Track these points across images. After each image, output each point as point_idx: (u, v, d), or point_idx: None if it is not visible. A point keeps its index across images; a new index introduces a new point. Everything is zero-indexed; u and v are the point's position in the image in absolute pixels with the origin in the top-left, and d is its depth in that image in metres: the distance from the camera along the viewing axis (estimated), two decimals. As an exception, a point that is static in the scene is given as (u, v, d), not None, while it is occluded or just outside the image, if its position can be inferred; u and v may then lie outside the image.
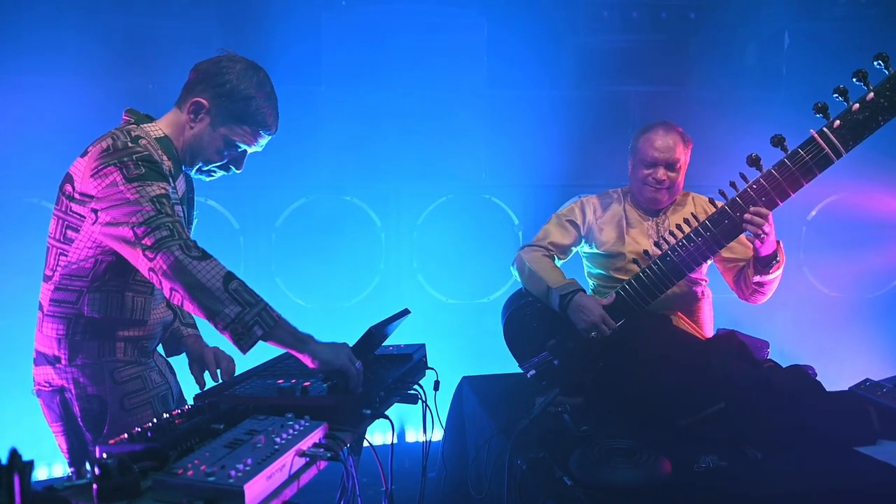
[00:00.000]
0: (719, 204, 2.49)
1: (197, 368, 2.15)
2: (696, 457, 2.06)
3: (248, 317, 1.69)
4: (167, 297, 1.74)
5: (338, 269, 4.12)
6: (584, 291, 2.71)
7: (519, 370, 2.83)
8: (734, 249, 2.70)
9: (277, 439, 1.46)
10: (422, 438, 2.14)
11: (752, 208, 2.39)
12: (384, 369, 2.06)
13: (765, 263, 2.58)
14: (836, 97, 2.24)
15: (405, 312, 2.19)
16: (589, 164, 4.21)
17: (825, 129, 2.27)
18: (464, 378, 3.04)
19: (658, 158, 2.75)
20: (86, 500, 1.28)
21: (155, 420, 1.55)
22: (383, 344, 2.23)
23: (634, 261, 2.72)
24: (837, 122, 2.26)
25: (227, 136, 2.00)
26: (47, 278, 1.94)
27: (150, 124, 1.99)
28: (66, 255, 1.89)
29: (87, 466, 1.32)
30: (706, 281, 2.90)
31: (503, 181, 4.31)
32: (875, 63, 2.19)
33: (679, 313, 2.81)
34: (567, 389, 2.49)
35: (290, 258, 4.12)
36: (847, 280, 4.43)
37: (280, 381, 1.90)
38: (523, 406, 2.44)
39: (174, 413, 1.60)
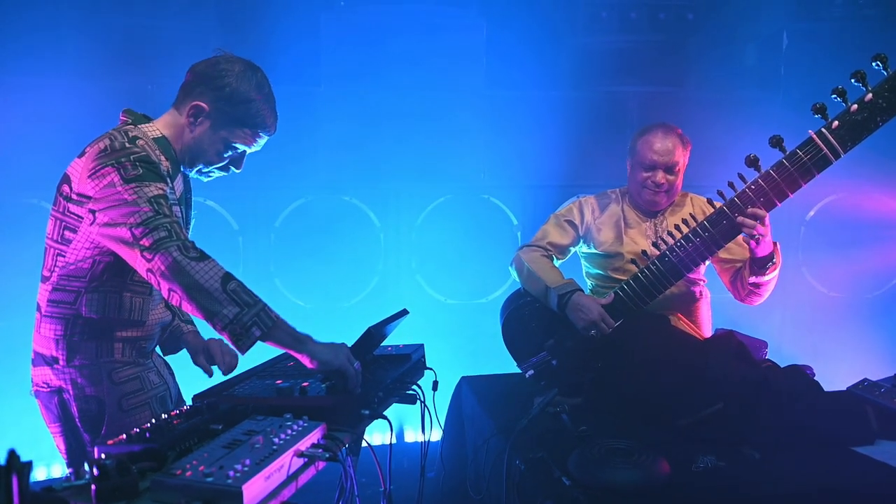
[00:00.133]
0: (717, 205, 2.50)
1: (204, 359, 2.15)
2: (695, 457, 2.07)
3: (247, 317, 1.69)
4: (165, 297, 1.74)
5: (337, 270, 4.13)
6: (583, 291, 2.71)
7: (518, 370, 2.83)
8: (731, 250, 2.70)
9: (276, 440, 1.46)
10: (421, 439, 2.14)
11: (749, 209, 2.39)
12: (383, 370, 2.06)
13: (761, 264, 2.59)
14: (835, 98, 2.24)
15: (404, 313, 2.19)
16: (588, 165, 4.22)
17: (823, 129, 2.27)
18: (463, 378, 3.05)
19: (657, 161, 2.75)
20: (84, 500, 1.28)
21: (153, 421, 1.55)
22: (382, 344, 2.23)
23: (633, 261, 2.72)
24: (836, 122, 2.26)
25: (227, 139, 2.00)
26: (45, 279, 1.94)
27: (147, 125, 1.99)
28: (64, 256, 1.89)
29: (86, 467, 1.32)
30: (704, 281, 2.90)
31: (502, 181, 4.31)
32: (873, 64, 2.19)
33: (677, 314, 2.82)
34: (565, 389, 2.50)
35: (289, 258, 4.12)
36: (845, 280, 4.43)
37: (279, 381, 1.91)
38: (522, 406, 2.45)
39: (172, 414, 1.60)
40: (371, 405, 1.80)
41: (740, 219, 2.40)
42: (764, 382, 2.38)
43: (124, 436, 1.47)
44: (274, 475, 1.37)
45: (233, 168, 2.11)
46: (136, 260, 1.74)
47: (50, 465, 3.71)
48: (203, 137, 1.99)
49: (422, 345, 2.33)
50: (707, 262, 2.70)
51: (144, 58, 3.81)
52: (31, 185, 3.59)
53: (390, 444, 2.00)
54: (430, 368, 2.26)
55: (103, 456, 1.38)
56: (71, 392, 1.92)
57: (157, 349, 2.14)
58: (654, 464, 1.92)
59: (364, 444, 1.84)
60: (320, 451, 1.50)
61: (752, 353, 2.60)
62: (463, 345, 4.00)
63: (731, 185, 2.43)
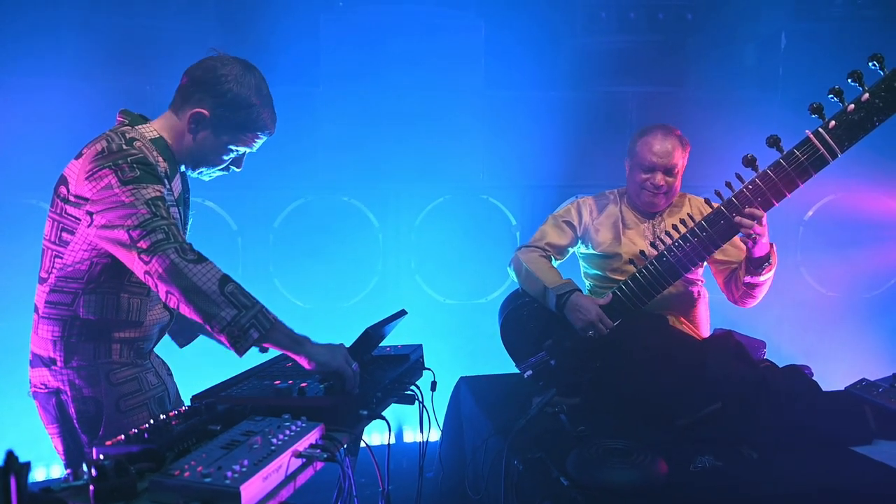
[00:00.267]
0: (715, 205, 2.50)
1: None
2: (693, 457, 2.07)
3: (245, 320, 1.69)
4: (163, 300, 1.74)
5: (336, 270, 4.13)
6: (581, 291, 2.71)
7: (516, 370, 2.83)
8: (727, 252, 2.70)
9: (274, 440, 1.47)
10: (420, 439, 2.14)
11: (746, 209, 2.40)
12: (381, 370, 2.06)
13: (757, 265, 2.59)
14: (832, 98, 2.24)
15: (402, 313, 2.20)
16: (586, 165, 4.22)
17: (820, 129, 2.28)
18: (461, 378, 3.05)
19: (656, 163, 2.76)
20: (82, 501, 1.28)
21: (152, 421, 1.55)
22: (380, 345, 2.23)
23: (631, 261, 2.73)
24: (833, 122, 2.26)
25: (228, 144, 2.02)
26: (42, 280, 1.94)
27: (144, 126, 1.99)
28: (62, 258, 1.89)
29: (84, 468, 1.32)
30: (702, 281, 2.90)
31: (501, 182, 4.31)
32: (870, 64, 2.19)
33: (675, 315, 2.82)
34: (564, 389, 2.50)
35: (289, 259, 4.12)
36: (844, 280, 4.44)
37: (277, 382, 1.91)
38: (520, 406, 2.45)
39: (171, 414, 1.60)
40: (369, 406, 1.81)
41: (738, 218, 2.40)
42: (762, 382, 2.38)
43: (122, 436, 1.47)
44: (272, 476, 1.37)
45: (233, 168, 2.12)
46: (133, 262, 1.74)
47: (49, 466, 3.71)
48: (205, 143, 2.00)
49: (420, 345, 2.33)
50: (705, 263, 2.70)
51: (144, 58, 3.81)
52: (31, 185, 3.59)
53: (388, 444, 2.01)
54: (429, 369, 2.27)
55: (101, 456, 1.38)
56: (69, 393, 1.92)
57: (156, 350, 2.14)
58: (653, 464, 1.93)
59: (363, 444, 1.85)
60: (318, 451, 1.50)
61: (751, 353, 2.61)
62: (462, 345, 4.00)
63: (728, 185, 2.43)
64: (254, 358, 1.92)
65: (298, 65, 3.97)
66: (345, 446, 1.63)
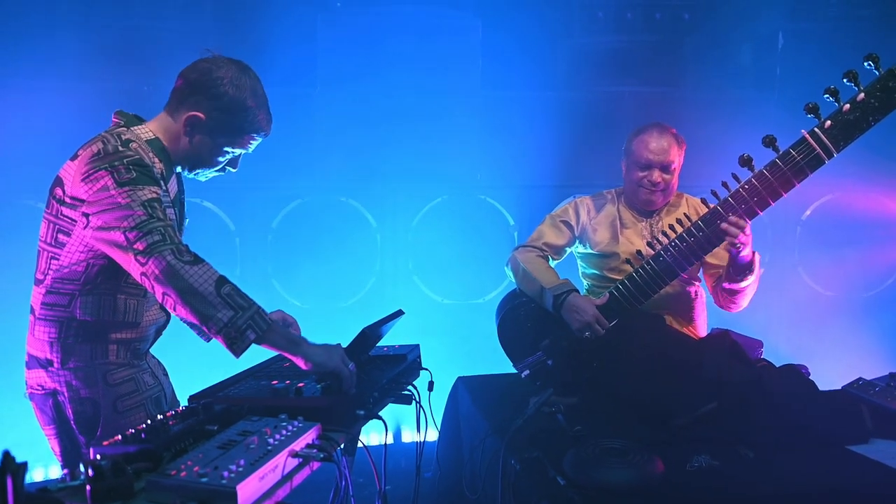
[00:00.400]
0: (711, 205, 2.50)
1: None
2: (689, 456, 2.07)
3: (241, 321, 1.69)
4: (160, 301, 1.74)
5: (334, 270, 4.13)
6: (578, 292, 2.71)
7: (513, 370, 2.83)
8: (718, 255, 2.71)
9: (270, 440, 1.47)
10: (417, 439, 2.15)
11: (731, 218, 2.41)
12: (378, 370, 2.07)
13: (739, 272, 2.61)
14: (828, 98, 2.25)
15: (399, 313, 2.20)
16: (584, 165, 4.22)
17: (816, 129, 2.28)
18: (459, 378, 3.05)
19: (653, 161, 2.76)
20: (79, 501, 1.28)
21: (149, 422, 1.55)
22: (378, 345, 2.24)
23: (628, 261, 2.73)
24: (828, 122, 2.27)
25: (225, 146, 2.02)
26: (38, 282, 1.94)
27: (139, 127, 1.99)
28: (58, 259, 1.89)
29: (81, 468, 1.32)
30: (699, 281, 2.91)
31: (498, 182, 4.32)
32: (865, 64, 2.20)
33: (672, 315, 2.82)
34: (561, 389, 2.50)
35: (286, 259, 4.13)
36: (841, 279, 4.45)
37: (274, 382, 1.92)
38: (517, 406, 2.45)
39: (168, 414, 1.61)
40: (366, 405, 1.81)
41: (724, 226, 2.41)
42: (759, 382, 2.39)
43: (119, 436, 1.47)
44: (268, 475, 1.37)
45: (229, 168, 2.12)
46: (129, 263, 1.74)
47: (48, 467, 3.71)
48: (201, 146, 2.01)
49: (417, 345, 2.34)
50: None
51: (142, 59, 3.80)
52: (29, 187, 3.59)
53: (385, 444, 2.01)
54: (426, 369, 2.27)
55: (98, 456, 1.38)
56: (66, 394, 1.92)
57: (152, 350, 2.14)
58: (649, 463, 1.93)
59: (360, 444, 1.85)
60: (315, 451, 1.51)
61: (748, 353, 2.61)
62: (459, 345, 4.00)
63: (724, 185, 2.44)
64: (250, 358, 1.92)
65: (296, 66, 3.98)
66: (341, 446, 1.64)
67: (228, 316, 1.68)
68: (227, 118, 1.97)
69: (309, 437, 1.55)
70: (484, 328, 3.25)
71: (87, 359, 1.92)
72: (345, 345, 1.90)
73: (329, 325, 3.38)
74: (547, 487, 1.94)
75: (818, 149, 2.28)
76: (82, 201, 1.81)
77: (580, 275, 3.05)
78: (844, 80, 2.22)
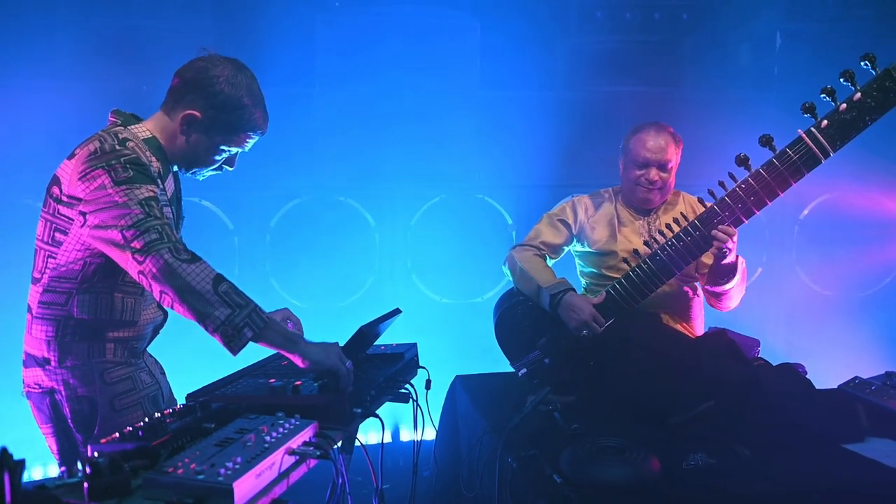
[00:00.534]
0: (708, 204, 2.51)
1: None
2: (686, 454, 2.08)
3: (238, 319, 1.70)
4: (157, 299, 1.75)
5: (332, 269, 4.13)
6: (575, 291, 2.72)
7: (511, 369, 2.84)
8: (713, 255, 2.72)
9: (267, 438, 1.48)
10: (415, 437, 2.15)
11: (719, 226, 2.43)
12: (375, 368, 2.07)
13: (721, 275, 2.63)
14: (824, 97, 2.26)
15: (396, 312, 2.20)
16: (582, 165, 4.23)
17: (813, 128, 2.29)
18: (457, 377, 3.06)
19: (650, 159, 2.77)
20: (77, 498, 1.29)
21: (146, 420, 1.56)
22: (375, 343, 2.24)
23: (625, 259, 2.74)
24: (825, 121, 2.28)
25: (221, 145, 2.02)
26: (35, 280, 1.94)
27: (136, 125, 1.99)
28: (55, 258, 1.89)
29: (79, 465, 1.33)
30: (696, 280, 2.92)
31: (497, 181, 4.32)
32: (862, 63, 2.21)
33: (669, 313, 2.83)
34: (558, 388, 2.50)
35: (285, 258, 4.13)
36: (838, 278, 4.46)
37: (272, 380, 1.92)
38: (515, 404, 2.46)
39: (165, 412, 1.61)
40: (363, 404, 1.82)
41: (714, 232, 2.44)
42: (756, 381, 2.39)
43: (117, 434, 1.48)
44: (265, 473, 1.38)
45: (226, 167, 2.12)
46: (127, 262, 1.75)
47: (46, 465, 3.71)
48: (197, 145, 2.01)
49: (415, 344, 2.34)
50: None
51: (141, 59, 3.80)
52: (27, 186, 3.59)
53: (382, 442, 2.02)
54: (423, 367, 2.27)
55: (96, 454, 1.39)
56: (63, 393, 1.92)
57: (150, 349, 2.15)
58: (646, 461, 1.94)
59: (357, 442, 1.85)
60: (311, 449, 1.51)
61: (745, 352, 2.62)
62: (457, 344, 4.01)
63: (721, 184, 2.45)
64: (248, 356, 1.93)
65: (295, 65, 3.98)
66: (338, 444, 1.64)
67: (225, 314, 1.69)
68: (224, 116, 1.97)
69: (306, 434, 1.55)
70: (482, 327, 3.26)
71: (84, 357, 1.92)
72: (342, 343, 1.90)
73: (327, 324, 3.39)
74: (544, 485, 1.95)
75: (815, 148, 2.29)
76: (79, 200, 1.81)
77: (578, 273, 3.05)
78: (841, 80, 2.23)
